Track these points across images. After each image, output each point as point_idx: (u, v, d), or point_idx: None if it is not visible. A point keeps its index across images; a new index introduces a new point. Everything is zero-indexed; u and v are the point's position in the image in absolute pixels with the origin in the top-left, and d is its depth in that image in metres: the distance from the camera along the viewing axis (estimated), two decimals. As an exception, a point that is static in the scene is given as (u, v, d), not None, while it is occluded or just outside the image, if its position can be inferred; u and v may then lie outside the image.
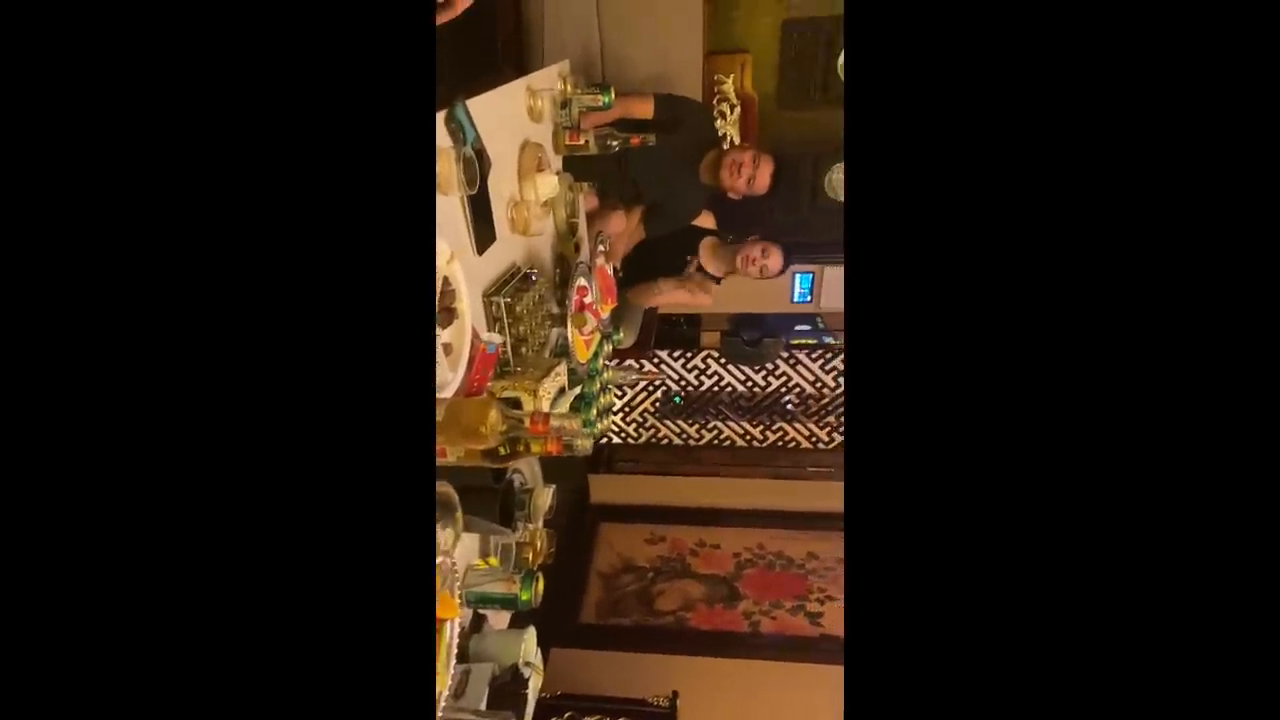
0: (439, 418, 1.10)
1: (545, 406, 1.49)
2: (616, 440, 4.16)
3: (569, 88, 2.04)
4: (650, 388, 4.03)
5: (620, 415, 4.08)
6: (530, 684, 1.45)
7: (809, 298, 3.58)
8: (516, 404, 1.45)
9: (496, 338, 1.50)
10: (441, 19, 1.55)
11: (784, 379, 3.92)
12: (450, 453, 1.18)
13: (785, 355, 3.86)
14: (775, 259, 2.56)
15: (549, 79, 1.99)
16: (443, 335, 1.33)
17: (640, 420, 4.13)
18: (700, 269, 2.69)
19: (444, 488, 1.16)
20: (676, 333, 3.93)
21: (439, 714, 1.21)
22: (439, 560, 1.12)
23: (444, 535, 1.15)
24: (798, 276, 3.53)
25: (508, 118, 1.74)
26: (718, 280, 2.71)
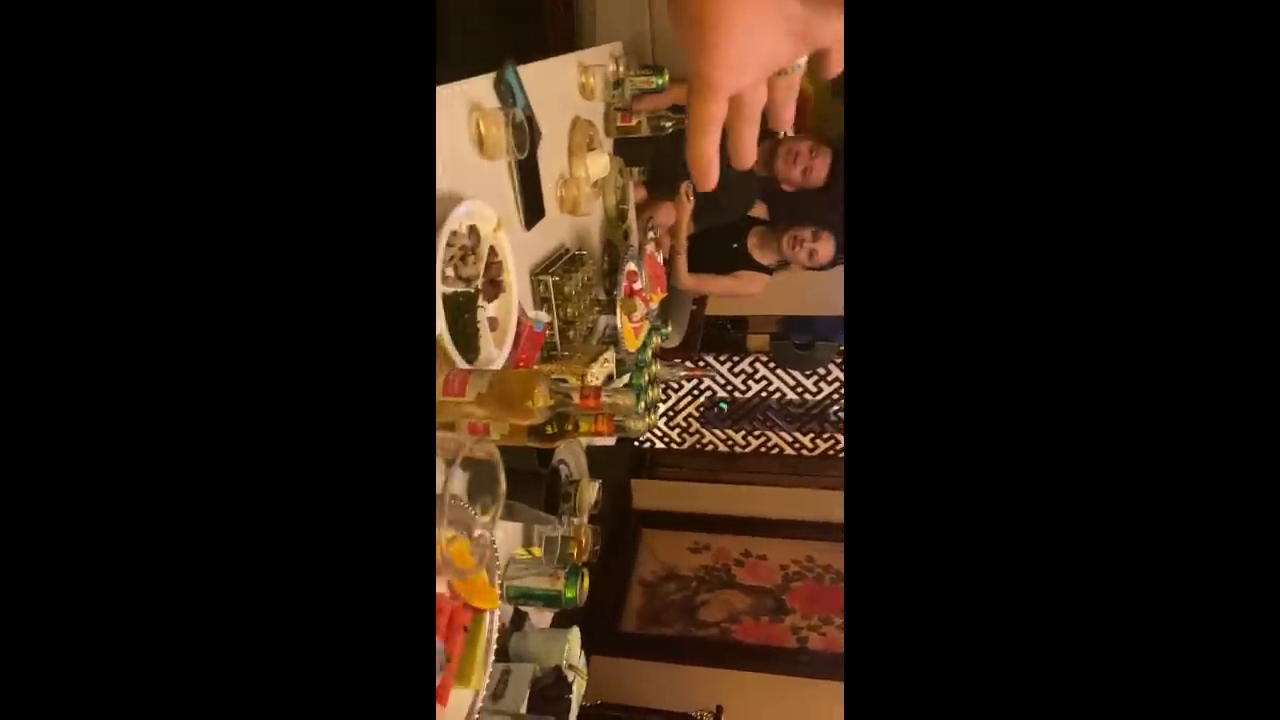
0: (483, 389, 1.01)
1: (594, 390, 1.40)
2: (660, 445, 4.06)
3: (621, 68, 1.97)
4: (695, 392, 3.92)
5: (664, 419, 3.98)
6: (574, 689, 1.35)
7: (863, 300, 3.44)
8: (564, 386, 1.37)
9: (545, 316, 1.42)
10: None
11: (837, 385, 3.76)
12: (493, 429, 1.09)
13: (838, 361, 3.70)
14: (826, 244, 2.40)
15: (602, 56, 1.91)
16: (489, 309, 1.25)
17: (684, 425, 4.01)
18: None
19: (487, 451, 1.05)
20: (723, 336, 3.81)
21: (475, 716, 1.12)
22: (477, 534, 1.03)
23: (484, 513, 1.06)
24: (852, 277, 3.39)
25: (559, 91, 1.66)
26: (769, 271, 2.60)
